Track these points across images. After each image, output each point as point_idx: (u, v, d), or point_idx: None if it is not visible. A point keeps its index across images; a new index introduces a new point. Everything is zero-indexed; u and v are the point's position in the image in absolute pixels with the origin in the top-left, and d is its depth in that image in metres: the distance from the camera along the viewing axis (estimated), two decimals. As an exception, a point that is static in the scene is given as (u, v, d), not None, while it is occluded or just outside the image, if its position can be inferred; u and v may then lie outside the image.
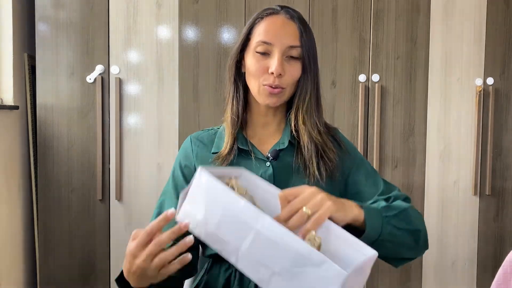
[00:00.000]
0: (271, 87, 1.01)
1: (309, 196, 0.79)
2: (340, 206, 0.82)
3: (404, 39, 2.21)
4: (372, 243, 0.84)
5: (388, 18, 2.20)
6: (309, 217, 0.77)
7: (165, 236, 0.75)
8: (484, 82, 2.23)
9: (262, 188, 0.91)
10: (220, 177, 0.82)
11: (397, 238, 0.91)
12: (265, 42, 1.01)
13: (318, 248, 0.76)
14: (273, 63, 1.00)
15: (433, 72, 2.23)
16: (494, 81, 2.23)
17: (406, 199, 1.03)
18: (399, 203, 0.97)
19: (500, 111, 2.25)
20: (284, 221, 0.77)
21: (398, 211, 0.93)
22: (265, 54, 1.02)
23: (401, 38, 2.21)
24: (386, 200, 1.01)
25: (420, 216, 1.00)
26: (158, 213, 1.07)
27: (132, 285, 0.82)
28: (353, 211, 0.85)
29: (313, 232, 0.76)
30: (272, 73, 1.00)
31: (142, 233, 0.76)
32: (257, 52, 1.02)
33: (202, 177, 0.76)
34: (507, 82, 2.25)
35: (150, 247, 0.75)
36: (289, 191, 0.80)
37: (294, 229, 0.75)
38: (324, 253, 0.71)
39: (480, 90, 2.23)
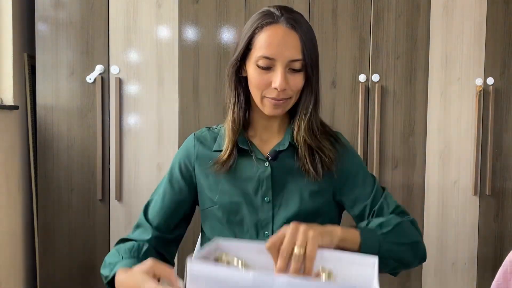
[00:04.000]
0: (276, 99, 1.00)
1: (293, 236, 0.77)
2: (323, 231, 0.81)
3: (404, 39, 2.21)
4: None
5: (388, 18, 2.20)
6: (304, 254, 0.76)
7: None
8: (484, 82, 2.23)
9: (245, 249, 0.85)
10: (207, 258, 0.79)
11: (396, 254, 0.93)
12: (267, 57, 0.98)
13: (334, 279, 0.76)
14: (276, 78, 0.98)
15: (433, 72, 2.23)
16: (494, 81, 2.23)
17: (399, 209, 1.06)
18: (392, 217, 0.98)
19: (500, 111, 2.25)
20: (284, 270, 0.76)
21: (392, 226, 0.94)
22: (268, 67, 0.99)
23: (401, 38, 2.21)
24: (379, 212, 1.03)
25: (416, 229, 1.01)
26: (147, 204, 1.12)
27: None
28: (337, 233, 0.85)
29: (320, 267, 0.76)
30: (276, 88, 0.98)
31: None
32: (259, 66, 0.99)
33: (195, 268, 0.71)
34: (507, 82, 2.25)
35: None
36: (273, 239, 0.78)
37: (297, 273, 0.75)
38: (339, 280, 0.73)
39: (480, 90, 2.23)
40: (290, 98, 1.02)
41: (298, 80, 1.01)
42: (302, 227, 0.78)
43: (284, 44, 0.98)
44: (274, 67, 0.99)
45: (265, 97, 1.01)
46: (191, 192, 1.11)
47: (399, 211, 1.05)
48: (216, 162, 1.06)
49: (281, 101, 1.00)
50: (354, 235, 0.88)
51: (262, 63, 0.98)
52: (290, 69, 0.99)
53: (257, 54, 0.99)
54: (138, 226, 1.10)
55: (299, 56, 0.98)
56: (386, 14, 2.20)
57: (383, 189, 1.09)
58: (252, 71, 1.01)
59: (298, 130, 1.05)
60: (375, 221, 0.96)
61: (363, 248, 0.87)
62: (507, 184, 2.27)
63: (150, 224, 1.08)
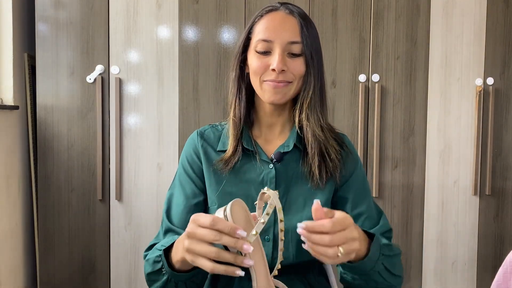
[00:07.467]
0: (275, 82, 0.99)
1: (342, 226, 0.74)
2: (359, 250, 0.80)
3: (404, 39, 2.21)
4: (360, 274, 0.86)
5: (388, 18, 2.20)
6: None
7: (226, 225, 0.73)
8: (484, 82, 2.23)
9: None
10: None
11: (382, 279, 0.90)
12: (264, 40, 0.98)
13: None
14: (274, 59, 0.98)
15: (433, 72, 2.23)
16: (494, 81, 2.23)
17: (390, 231, 1.04)
18: (397, 246, 0.97)
19: (500, 111, 2.25)
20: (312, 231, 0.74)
21: (393, 253, 0.93)
22: (266, 52, 0.99)
23: (401, 38, 2.21)
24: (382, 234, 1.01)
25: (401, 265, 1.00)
26: (168, 208, 1.07)
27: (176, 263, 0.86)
28: (359, 253, 0.82)
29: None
30: (274, 69, 0.98)
31: (207, 220, 0.74)
32: (257, 51, 1.00)
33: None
34: (507, 82, 2.25)
35: (209, 233, 0.74)
36: (322, 213, 0.74)
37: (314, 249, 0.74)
38: None
39: (480, 90, 2.23)
40: (291, 82, 1.00)
41: (297, 64, 1.00)
42: (355, 232, 0.76)
43: (282, 26, 0.99)
44: (272, 50, 0.99)
45: (264, 81, 1.00)
46: (205, 186, 1.08)
47: (389, 236, 1.03)
48: (220, 160, 1.04)
49: (281, 84, 0.99)
50: (364, 248, 0.84)
51: (260, 47, 0.99)
52: (289, 54, 0.99)
53: (256, 39, 1.00)
54: (167, 231, 1.04)
55: (297, 38, 0.99)
56: (386, 14, 2.20)
57: (381, 212, 1.07)
58: (251, 58, 1.02)
59: (300, 117, 1.03)
60: (383, 240, 0.94)
61: (363, 262, 0.84)
62: (507, 184, 2.27)
63: (178, 228, 1.04)
